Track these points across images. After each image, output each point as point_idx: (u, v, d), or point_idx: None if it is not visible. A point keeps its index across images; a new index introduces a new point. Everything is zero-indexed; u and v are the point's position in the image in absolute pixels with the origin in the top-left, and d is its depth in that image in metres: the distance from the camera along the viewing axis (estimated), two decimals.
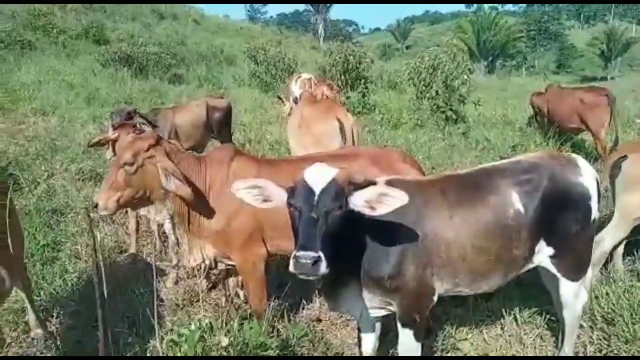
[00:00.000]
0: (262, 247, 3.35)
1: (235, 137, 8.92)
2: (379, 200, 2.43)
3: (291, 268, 2.24)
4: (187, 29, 26.44)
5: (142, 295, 3.93)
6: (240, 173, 3.26)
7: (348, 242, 2.52)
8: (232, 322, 3.31)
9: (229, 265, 3.53)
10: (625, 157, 4.15)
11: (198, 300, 3.90)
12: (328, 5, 40.66)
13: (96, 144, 4.73)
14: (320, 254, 2.21)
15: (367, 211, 2.44)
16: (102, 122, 8.59)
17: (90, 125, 8.87)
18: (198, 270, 4.27)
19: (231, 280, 3.91)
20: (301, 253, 2.20)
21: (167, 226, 4.72)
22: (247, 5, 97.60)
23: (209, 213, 3.29)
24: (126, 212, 5.33)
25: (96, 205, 3.05)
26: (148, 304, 3.58)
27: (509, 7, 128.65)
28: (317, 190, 2.33)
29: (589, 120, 8.13)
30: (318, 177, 2.38)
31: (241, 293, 3.99)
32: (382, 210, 2.44)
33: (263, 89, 15.04)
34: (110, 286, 4.24)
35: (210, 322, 2.60)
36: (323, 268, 2.22)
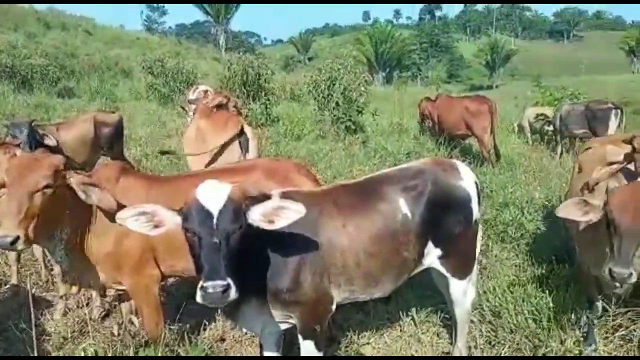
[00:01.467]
0: (155, 269, 3.19)
1: (131, 152, 8.53)
2: (276, 214, 2.41)
3: (199, 299, 2.14)
4: (78, 40, 24.95)
5: (24, 331, 3.58)
6: (128, 192, 3.10)
7: (246, 257, 2.45)
8: (126, 351, 3.16)
9: (119, 290, 3.32)
10: (589, 148, 4.36)
11: (89, 331, 3.62)
12: (228, 16, 40.26)
13: None
14: (229, 280, 2.14)
15: (265, 225, 2.40)
16: None
17: None
18: (88, 298, 4.03)
19: (124, 307, 3.68)
20: (209, 284, 2.11)
21: None
22: (143, 15, 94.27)
23: (96, 236, 3.08)
24: None
25: (16, 239, 2.56)
26: (31, 340, 3.26)
27: (403, 20, 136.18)
28: (215, 212, 2.24)
29: (474, 126, 8.80)
30: (212, 196, 2.28)
31: (135, 319, 3.77)
32: (280, 223, 2.42)
33: (161, 101, 14.56)
34: None
35: (96, 350, 2.41)
36: (233, 294, 2.15)
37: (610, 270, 2.65)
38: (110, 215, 2.96)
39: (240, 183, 2.64)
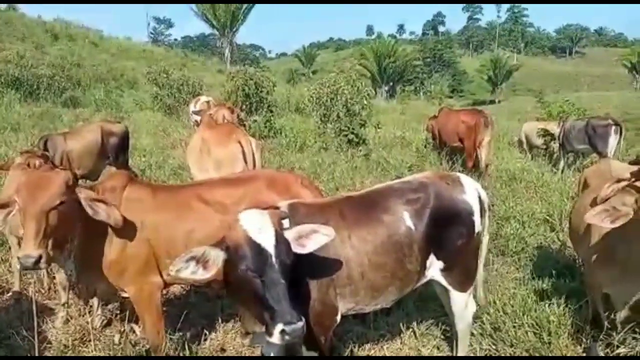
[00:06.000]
0: (157, 276, 3.22)
1: (135, 162, 8.58)
2: (307, 237, 2.45)
3: (277, 341, 2.19)
4: (84, 51, 25.18)
5: (26, 339, 3.59)
6: (134, 201, 3.13)
7: None
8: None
9: (122, 297, 3.35)
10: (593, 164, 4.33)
11: (90, 340, 3.64)
12: (234, 29, 40.54)
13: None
14: (302, 319, 2.19)
15: (297, 249, 2.42)
16: None
17: None
18: (90, 306, 4.05)
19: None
20: (291, 327, 2.15)
21: None
22: (150, 27, 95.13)
23: (103, 244, 3.11)
24: (9, 247, 4.90)
25: (39, 259, 2.56)
26: (33, 347, 3.29)
27: (406, 35, 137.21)
28: (271, 249, 2.25)
29: (468, 138, 8.89)
30: (263, 232, 2.28)
31: (136, 328, 3.78)
32: (310, 247, 2.45)
33: (166, 112, 14.64)
34: None
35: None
36: (305, 329, 2.21)
37: None
38: (116, 229, 3.00)
39: (272, 211, 2.56)
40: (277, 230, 2.32)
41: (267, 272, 2.22)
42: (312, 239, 2.44)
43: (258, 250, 2.25)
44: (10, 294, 4.55)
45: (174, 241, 3.16)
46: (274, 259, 2.24)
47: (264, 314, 2.27)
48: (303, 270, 2.64)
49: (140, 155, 9.38)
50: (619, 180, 3.24)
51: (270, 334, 2.22)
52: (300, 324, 2.17)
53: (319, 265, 2.71)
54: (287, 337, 2.17)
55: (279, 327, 2.17)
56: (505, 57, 72.60)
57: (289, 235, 2.42)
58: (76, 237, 2.95)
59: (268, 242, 2.26)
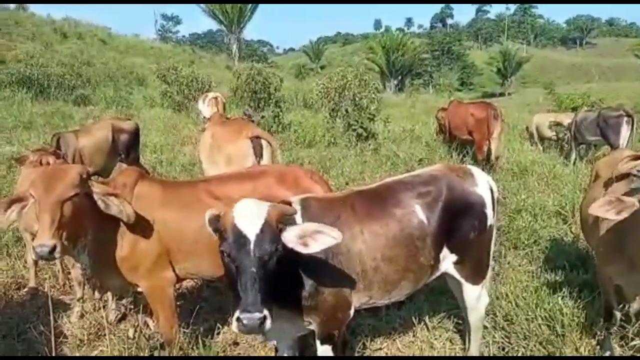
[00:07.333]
0: (170, 271, 3.24)
1: (146, 159, 8.63)
2: (312, 237, 2.41)
3: (235, 329, 2.17)
4: (93, 49, 25.35)
5: (42, 334, 3.65)
6: (145, 197, 3.16)
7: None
8: (141, 353, 3.20)
9: (136, 292, 3.38)
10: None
11: (105, 334, 3.68)
12: (241, 25, 40.54)
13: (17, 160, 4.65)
14: (265, 312, 2.14)
15: (298, 248, 2.39)
16: None
17: None
18: (105, 301, 4.09)
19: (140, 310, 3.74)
20: (246, 316, 2.12)
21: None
22: (158, 24, 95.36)
23: (116, 240, 3.14)
24: (24, 244, 4.97)
25: (53, 248, 2.57)
26: (49, 342, 3.33)
27: (414, 29, 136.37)
28: (252, 237, 2.22)
29: (478, 131, 8.85)
30: (250, 220, 2.26)
31: (150, 322, 3.82)
32: (314, 247, 2.41)
33: (176, 109, 14.69)
34: (7, 326, 3.94)
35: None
36: (268, 325, 2.16)
37: None
38: (128, 225, 3.03)
39: (276, 205, 2.52)
40: (268, 221, 2.28)
41: (242, 259, 2.21)
42: (317, 239, 2.40)
43: (238, 236, 2.23)
44: (26, 289, 4.61)
45: (185, 236, 3.18)
46: (251, 247, 2.21)
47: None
48: (316, 265, 2.65)
49: (150, 152, 9.45)
50: (636, 158, 3.19)
51: (232, 321, 2.21)
52: (258, 315, 2.11)
53: (331, 260, 2.70)
54: (242, 327, 2.14)
55: (236, 314, 2.15)
56: (515, 49, 72.04)
57: (291, 232, 2.39)
58: (90, 232, 2.98)
59: (250, 230, 2.23)
